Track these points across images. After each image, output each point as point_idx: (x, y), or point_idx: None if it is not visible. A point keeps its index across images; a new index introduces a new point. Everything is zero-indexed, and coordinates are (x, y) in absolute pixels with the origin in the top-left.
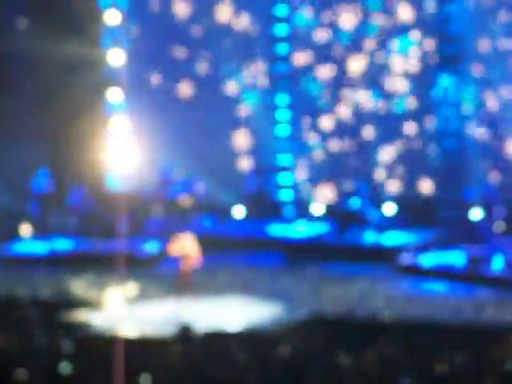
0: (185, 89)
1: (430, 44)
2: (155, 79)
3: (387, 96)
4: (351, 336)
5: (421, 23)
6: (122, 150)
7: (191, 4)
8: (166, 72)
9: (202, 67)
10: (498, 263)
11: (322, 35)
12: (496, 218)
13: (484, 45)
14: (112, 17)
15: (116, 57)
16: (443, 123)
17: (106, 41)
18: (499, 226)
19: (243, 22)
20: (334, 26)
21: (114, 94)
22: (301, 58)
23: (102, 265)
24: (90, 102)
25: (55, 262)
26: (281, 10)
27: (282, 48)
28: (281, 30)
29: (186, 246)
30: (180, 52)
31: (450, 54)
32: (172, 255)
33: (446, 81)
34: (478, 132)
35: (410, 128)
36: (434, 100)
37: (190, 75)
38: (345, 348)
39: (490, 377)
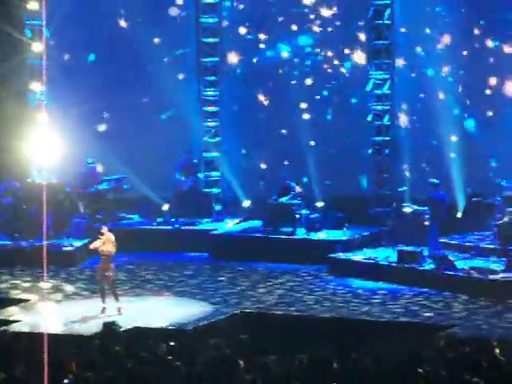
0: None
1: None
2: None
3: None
4: (277, 334)
5: None
6: (47, 143)
7: None
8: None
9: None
10: (429, 261)
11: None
12: (432, 216)
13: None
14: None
15: (39, 47)
16: (376, 118)
17: (29, 30)
18: (433, 224)
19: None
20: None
21: (38, 85)
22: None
23: (25, 262)
24: (13, 94)
25: None
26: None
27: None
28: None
29: (108, 243)
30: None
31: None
32: (95, 252)
33: (375, 75)
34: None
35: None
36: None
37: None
38: (270, 346)
39: None
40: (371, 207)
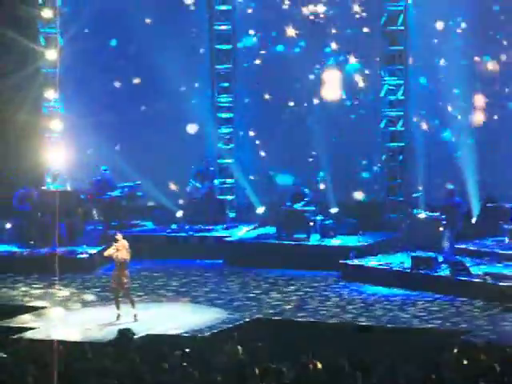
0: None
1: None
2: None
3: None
4: (292, 340)
5: None
6: (61, 151)
7: None
8: (105, 68)
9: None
10: (443, 267)
11: None
12: (447, 222)
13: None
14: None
15: (53, 54)
16: (389, 124)
17: (43, 38)
18: (448, 230)
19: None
20: None
21: (52, 93)
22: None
23: (40, 269)
24: (27, 102)
25: None
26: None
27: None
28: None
29: (122, 249)
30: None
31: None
32: (110, 259)
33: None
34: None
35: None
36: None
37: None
38: (285, 352)
39: None
40: (385, 213)
